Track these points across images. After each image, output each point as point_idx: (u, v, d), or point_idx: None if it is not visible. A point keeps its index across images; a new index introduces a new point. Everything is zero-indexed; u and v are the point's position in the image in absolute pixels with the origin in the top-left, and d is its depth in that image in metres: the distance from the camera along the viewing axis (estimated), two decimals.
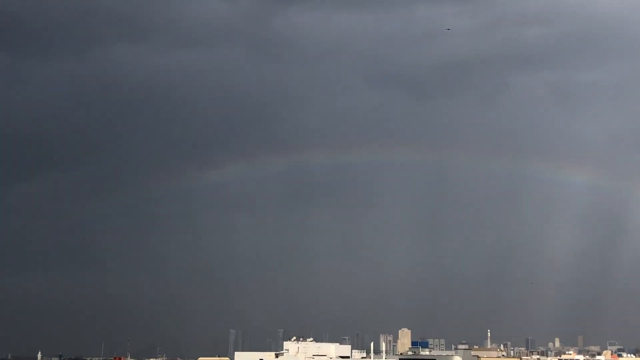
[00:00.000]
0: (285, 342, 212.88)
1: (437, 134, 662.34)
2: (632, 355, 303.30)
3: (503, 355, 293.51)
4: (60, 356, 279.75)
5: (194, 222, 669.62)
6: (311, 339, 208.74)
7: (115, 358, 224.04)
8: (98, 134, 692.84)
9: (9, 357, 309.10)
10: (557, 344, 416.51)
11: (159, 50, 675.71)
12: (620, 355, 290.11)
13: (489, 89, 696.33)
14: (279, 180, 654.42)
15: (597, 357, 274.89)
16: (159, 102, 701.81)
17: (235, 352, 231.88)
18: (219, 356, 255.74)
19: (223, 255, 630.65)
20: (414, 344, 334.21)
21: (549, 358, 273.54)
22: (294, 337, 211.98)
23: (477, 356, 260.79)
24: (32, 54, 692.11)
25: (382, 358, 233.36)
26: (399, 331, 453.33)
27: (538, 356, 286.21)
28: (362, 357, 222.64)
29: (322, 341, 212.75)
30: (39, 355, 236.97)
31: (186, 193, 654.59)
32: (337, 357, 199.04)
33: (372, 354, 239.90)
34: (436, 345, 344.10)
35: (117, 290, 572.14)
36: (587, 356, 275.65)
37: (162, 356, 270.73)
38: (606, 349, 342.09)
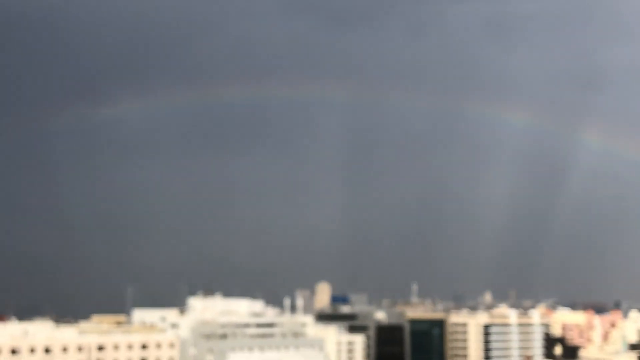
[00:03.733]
0: (189, 298, 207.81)
1: (361, 67, 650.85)
2: (566, 309, 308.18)
3: (429, 310, 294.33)
4: None
5: (91, 163, 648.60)
6: (219, 293, 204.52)
7: None
8: None
9: None
10: (488, 298, 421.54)
11: None
12: (554, 310, 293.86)
13: (419, 19, 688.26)
14: (184, 118, 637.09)
15: (531, 310, 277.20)
16: (41, 26, 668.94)
17: (134, 309, 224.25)
18: (115, 314, 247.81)
19: (123, 201, 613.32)
20: (333, 299, 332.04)
21: (479, 313, 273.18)
22: (200, 292, 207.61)
23: (402, 312, 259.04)
24: None
25: (298, 315, 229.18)
26: (317, 286, 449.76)
27: (467, 311, 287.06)
28: (277, 314, 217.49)
29: (231, 296, 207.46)
30: None
31: (78, 132, 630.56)
32: (248, 315, 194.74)
33: (287, 311, 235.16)
34: (357, 301, 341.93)
35: None
36: (520, 310, 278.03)
37: (50, 314, 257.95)
38: (540, 303, 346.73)
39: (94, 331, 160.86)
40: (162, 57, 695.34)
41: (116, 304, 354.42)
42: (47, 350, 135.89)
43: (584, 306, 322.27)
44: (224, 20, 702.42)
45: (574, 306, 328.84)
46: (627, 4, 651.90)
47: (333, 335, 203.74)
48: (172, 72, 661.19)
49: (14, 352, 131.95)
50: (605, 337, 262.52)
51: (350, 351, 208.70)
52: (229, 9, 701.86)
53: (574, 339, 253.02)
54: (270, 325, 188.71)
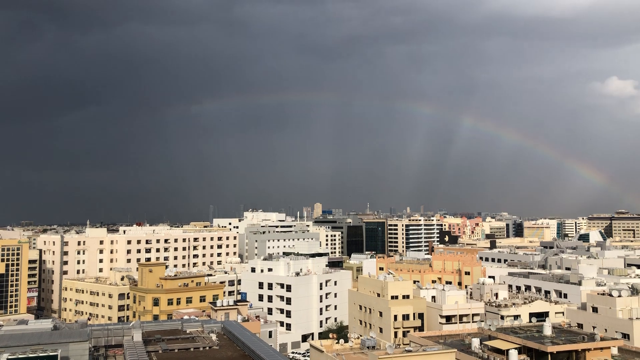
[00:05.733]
0: (244, 212, 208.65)
1: (341, 83, 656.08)
2: (451, 216, 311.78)
3: (376, 217, 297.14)
4: (101, 223, 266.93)
5: (187, 136, 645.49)
6: (261, 210, 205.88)
7: (137, 223, 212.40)
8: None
9: (68, 224, 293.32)
10: (408, 210, 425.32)
11: None
12: (445, 217, 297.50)
13: (371, 54, 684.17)
14: (238, 112, 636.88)
15: (432, 217, 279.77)
16: (160, 58, 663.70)
17: (214, 219, 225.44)
18: (203, 221, 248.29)
19: (206, 159, 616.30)
20: (323, 212, 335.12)
21: (403, 218, 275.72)
22: (250, 209, 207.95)
23: (361, 218, 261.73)
24: None
25: (304, 221, 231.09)
26: (314, 204, 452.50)
27: (397, 218, 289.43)
28: (292, 221, 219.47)
29: (267, 211, 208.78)
30: (88, 222, 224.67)
31: (179, 119, 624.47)
32: (276, 221, 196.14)
33: (298, 218, 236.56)
34: (337, 213, 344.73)
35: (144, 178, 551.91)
36: (426, 217, 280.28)
37: (167, 222, 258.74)
38: (437, 213, 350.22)
39: (191, 230, 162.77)
40: (224, 77, 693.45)
41: (204, 215, 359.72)
42: (166, 241, 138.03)
43: (461, 214, 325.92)
44: (259, 56, 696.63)
45: (455, 214, 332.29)
46: (489, 48, 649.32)
47: (324, 232, 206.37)
48: (231, 86, 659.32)
49: (147, 242, 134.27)
50: (472, 231, 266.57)
51: (333, 241, 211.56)
52: (261, 48, 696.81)
53: (455, 232, 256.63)
54: (289, 226, 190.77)
